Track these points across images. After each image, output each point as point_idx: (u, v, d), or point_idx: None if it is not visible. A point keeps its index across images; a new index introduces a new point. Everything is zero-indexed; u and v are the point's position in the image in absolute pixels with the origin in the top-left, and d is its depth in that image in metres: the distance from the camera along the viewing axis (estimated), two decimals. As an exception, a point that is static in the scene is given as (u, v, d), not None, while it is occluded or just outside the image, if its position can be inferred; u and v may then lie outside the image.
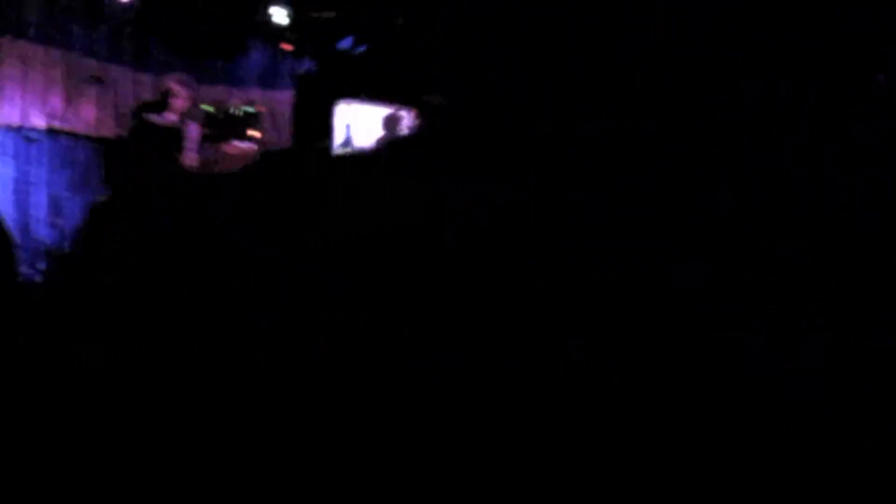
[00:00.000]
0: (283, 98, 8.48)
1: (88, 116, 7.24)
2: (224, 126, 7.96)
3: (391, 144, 5.90)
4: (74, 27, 7.35)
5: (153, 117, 5.77)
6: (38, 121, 6.43)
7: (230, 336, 1.59)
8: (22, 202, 6.76)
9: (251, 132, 7.82)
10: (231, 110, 7.94)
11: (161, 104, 5.76)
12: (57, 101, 6.99)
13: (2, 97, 6.95)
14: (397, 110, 6.98)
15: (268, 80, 8.44)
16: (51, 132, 6.87)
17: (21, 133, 6.54)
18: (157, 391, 2.05)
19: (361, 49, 8.04)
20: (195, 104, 6.03)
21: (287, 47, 8.17)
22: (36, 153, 7.10)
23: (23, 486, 1.66)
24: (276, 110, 8.45)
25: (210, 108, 8.05)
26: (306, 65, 8.48)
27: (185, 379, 2.01)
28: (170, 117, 5.75)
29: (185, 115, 5.97)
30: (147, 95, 8.32)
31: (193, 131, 6.03)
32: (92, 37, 7.46)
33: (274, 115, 8.33)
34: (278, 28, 8.02)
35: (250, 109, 7.92)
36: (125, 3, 7.05)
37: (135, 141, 5.74)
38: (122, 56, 7.77)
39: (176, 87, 5.91)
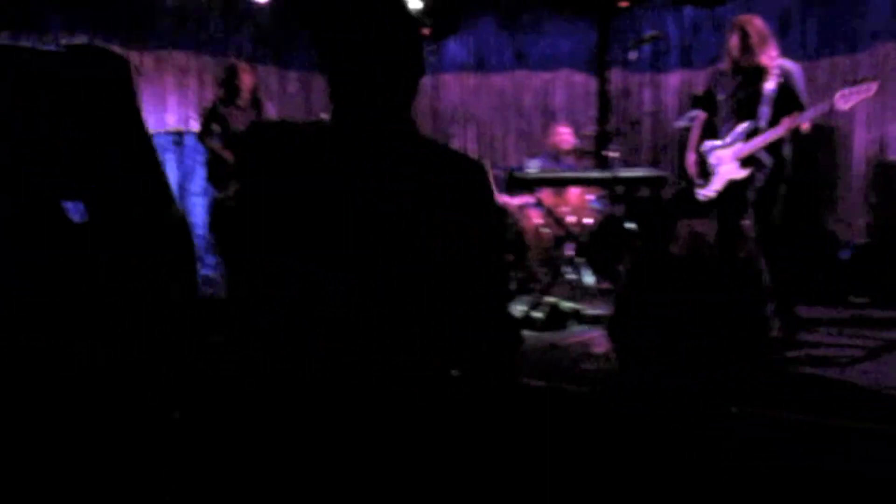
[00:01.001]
0: (425, 82, 8.53)
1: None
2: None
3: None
4: (221, 33, 7.79)
5: (224, 106, 5.87)
6: (195, 124, 6.86)
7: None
8: (181, 203, 7.28)
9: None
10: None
11: (230, 89, 5.85)
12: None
13: (161, 105, 7.51)
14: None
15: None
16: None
17: (179, 137, 7.01)
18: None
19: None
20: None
21: (425, 32, 8.20)
22: (192, 154, 7.61)
23: (23, 486, 1.73)
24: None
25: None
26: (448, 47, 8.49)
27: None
28: (243, 99, 5.84)
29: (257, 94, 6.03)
30: (293, 91, 8.71)
31: (270, 110, 6.12)
32: (238, 39, 7.88)
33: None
34: (417, 13, 8.05)
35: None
36: (264, 3, 7.35)
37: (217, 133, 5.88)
38: (267, 55, 8.16)
39: (241, 66, 6.00)
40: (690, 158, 4.69)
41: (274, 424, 1.44)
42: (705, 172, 4.61)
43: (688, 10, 7.40)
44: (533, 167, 5.86)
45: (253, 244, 1.47)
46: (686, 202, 5.03)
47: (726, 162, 4.45)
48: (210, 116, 5.94)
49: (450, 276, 1.48)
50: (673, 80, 7.58)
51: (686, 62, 7.40)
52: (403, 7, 1.57)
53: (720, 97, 4.55)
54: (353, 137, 1.50)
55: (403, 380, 1.46)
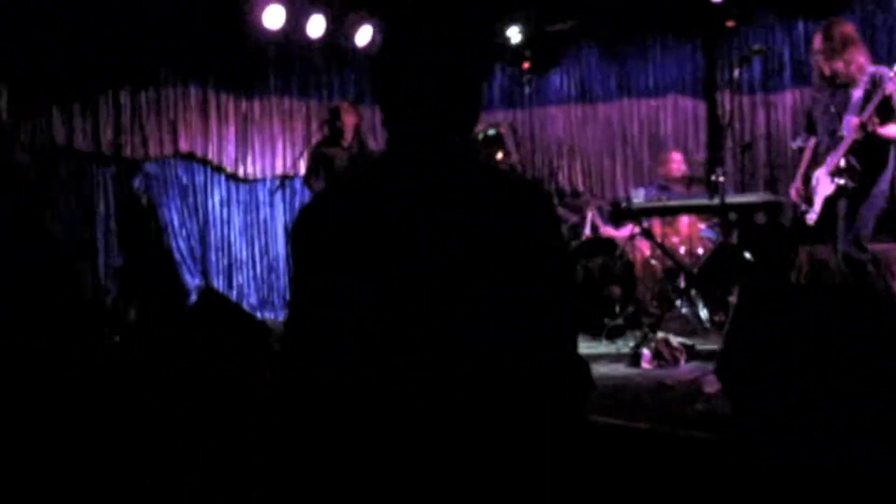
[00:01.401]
0: (537, 115, 8.46)
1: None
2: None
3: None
4: (325, 77, 7.95)
5: (328, 147, 5.91)
6: (302, 167, 6.99)
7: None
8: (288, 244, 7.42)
9: (497, 154, 7.88)
10: (477, 135, 8.07)
11: (334, 129, 5.88)
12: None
13: (270, 150, 7.71)
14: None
15: (510, 99, 8.46)
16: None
17: (286, 181, 7.15)
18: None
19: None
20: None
21: (526, 65, 8.14)
22: (299, 198, 7.76)
23: (23, 486, 1.73)
24: (521, 129, 8.43)
25: (455, 136, 8.25)
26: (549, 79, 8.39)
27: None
28: (346, 138, 5.87)
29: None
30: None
31: (374, 147, 6.12)
32: (342, 82, 8.01)
33: (516, 134, 8.31)
34: (516, 47, 8.01)
35: (492, 132, 7.98)
36: (364, 47, 7.45)
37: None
38: (371, 96, 8.26)
39: (344, 106, 6.04)
40: (795, 185, 4.48)
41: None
42: (809, 197, 4.37)
43: (799, 24, 7.04)
44: (639, 197, 5.64)
45: (315, 270, 1.42)
46: (807, 228, 4.74)
47: (821, 180, 4.22)
48: (315, 158, 6.02)
49: (514, 312, 1.37)
50: (787, 98, 7.21)
51: (800, 79, 7.02)
52: (465, 27, 1.48)
53: (815, 115, 4.34)
54: (408, 165, 1.43)
55: (469, 422, 1.36)
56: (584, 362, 1.45)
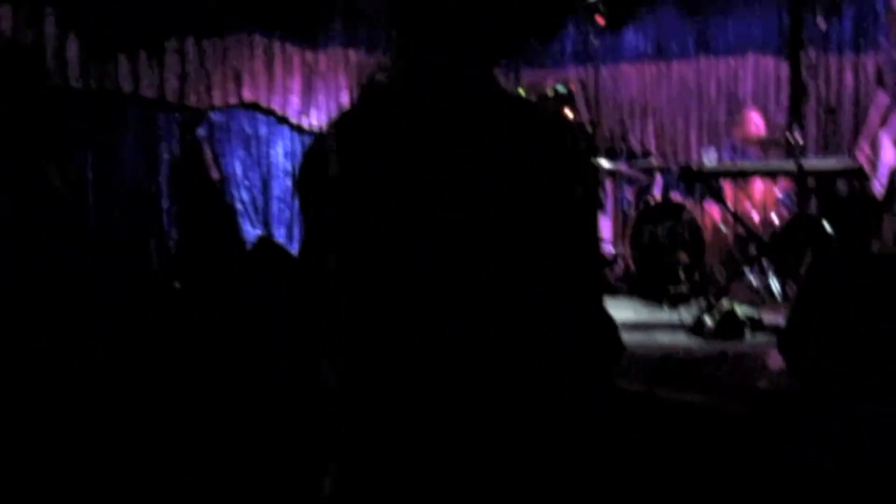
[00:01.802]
0: (602, 73, 8.15)
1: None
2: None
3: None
4: (368, 29, 7.76)
5: None
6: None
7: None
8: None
9: (566, 111, 7.63)
10: (547, 91, 7.83)
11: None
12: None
13: (335, 103, 7.61)
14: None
15: (583, 56, 8.16)
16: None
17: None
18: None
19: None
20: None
21: (600, 21, 7.81)
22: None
23: (23, 486, 1.69)
24: (592, 87, 8.14)
25: (523, 91, 8.02)
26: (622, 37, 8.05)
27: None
28: None
29: None
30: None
31: None
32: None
33: (587, 92, 8.03)
34: (590, 2, 7.69)
35: (562, 89, 7.72)
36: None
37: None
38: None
39: None
40: (862, 148, 4.11)
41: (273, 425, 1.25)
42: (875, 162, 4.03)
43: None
44: (710, 157, 5.36)
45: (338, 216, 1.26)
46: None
47: (884, 145, 3.87)
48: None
49: (530, 265, 1.21)
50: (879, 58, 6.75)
51: (896, 38, 6.55)
52: None
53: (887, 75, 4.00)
54: (431, 98, 1.26)
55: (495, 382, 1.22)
56: (612, 321, 1.28)
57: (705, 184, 5.16)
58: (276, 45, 7.26)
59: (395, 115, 1.25)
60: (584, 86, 8.00)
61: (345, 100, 7.56)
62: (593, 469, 1.26)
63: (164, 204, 6.80)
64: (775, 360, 3.31)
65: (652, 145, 7.86)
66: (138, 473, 1.76)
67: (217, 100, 7.03)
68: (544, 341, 1.22)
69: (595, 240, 1.35)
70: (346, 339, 1.27)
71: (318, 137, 1.37)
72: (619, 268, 6.34)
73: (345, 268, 1.26)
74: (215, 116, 7.13)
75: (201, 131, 7.17)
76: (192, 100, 6.89)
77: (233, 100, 7.12)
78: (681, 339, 4.15)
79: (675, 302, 5.08)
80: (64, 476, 1.73)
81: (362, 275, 1.25)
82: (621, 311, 5.06)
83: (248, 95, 7.17)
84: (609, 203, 7.31)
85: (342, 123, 1.31)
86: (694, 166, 4.94)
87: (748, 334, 4.16)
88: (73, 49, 6.19)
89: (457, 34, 1.26)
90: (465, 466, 1.20)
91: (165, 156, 6.85)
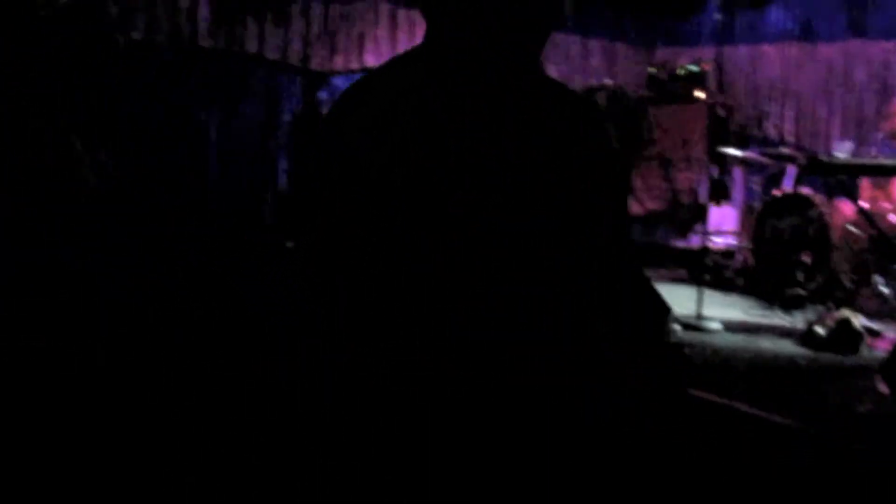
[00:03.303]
0: (741, 53, 7.66)
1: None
2: (663, 86, 7.49)
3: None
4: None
5: None
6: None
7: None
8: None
9: (696, 92, 7.22)
10: (678, 71, 7.43)
11: None
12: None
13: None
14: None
15: (721, 35, 7.67)
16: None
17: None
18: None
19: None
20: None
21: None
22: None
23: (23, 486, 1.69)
24: (728, 67, 7.65)
25: (653, 70, 7.64)
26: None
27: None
28: None
29: None
30: (595, 63, 8.24)
31: (552, 74, 5.67)
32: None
33: (722, 73, 7.56)
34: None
35: (694, 68, 7.30)
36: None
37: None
38: (569, 21, 7.78)
39: None
40: None
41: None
42: None
43: None
44: (844, 151, 4.90)
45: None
46: None
47: None
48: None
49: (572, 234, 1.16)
50: None
51: None
52: None
53: None
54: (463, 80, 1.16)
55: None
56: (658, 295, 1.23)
57: (835, 178, 4.72)
58: (402, 13, 7.20)
59: (415, 96, 1.15)
60: (719, 66, 7.55)
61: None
62: (592, 470, 1.19)
63: (282, 164, 6.92)
64: (882, 385, 2.98)
65: (789, 133, 7.33)
66: (138, 473, 1.73)
67: (339, 65, 7.05)
68: (547, 341, 1.15)
69: (622, 235, 1.26)
70: (346, 335, 1.17)
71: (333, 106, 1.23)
72: (738, 262, 5.96)
73: (345, 257, 1.15)
74: (337, 81, 7.16)
75: (323, 95, 7.22)
76: (314, 63, 6.94)
77: (355, 65, 7.13)
78: (786, 348, 3.83)
79: (789, 305, 4.70)
80: (63, 476, 1.72)
81: (363, 265, 1.14)
82: (728, 309, 4.74)
83: (370, 61, 7.16)
84: (738, 193, 6.88)
85: (357, 95, 1.19)
86: (824, 158, 4.52)
87: (864, 349, 3.78)
88: (204, 10, 6.33)
89: (490, 15, 1.14)
90: (465, 466, 1.14)
91: (286, 117, 6.95)
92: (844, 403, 2.93)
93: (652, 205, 7.48)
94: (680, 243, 7.13)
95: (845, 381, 3.24)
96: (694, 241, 6.72)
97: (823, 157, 4.52)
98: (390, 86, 1.18)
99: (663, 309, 1.29)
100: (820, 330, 3.84)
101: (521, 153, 1.13)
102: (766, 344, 3.88)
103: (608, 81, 5.87)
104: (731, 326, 4.20)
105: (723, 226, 6.81)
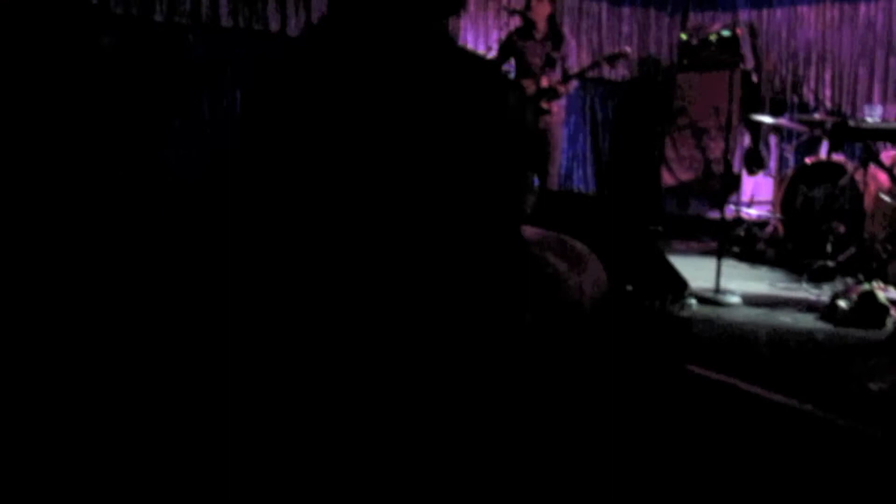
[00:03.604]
0: (777, 16, 7.36)
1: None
2: (695, 53, 7.24)
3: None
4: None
5: (521, 39, 5.42)
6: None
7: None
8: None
9: (725, 58, 6.96)
10: (710, 36, 7.17)
11: (526, 20, 5.38)
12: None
13: (461, 41, 7.33)
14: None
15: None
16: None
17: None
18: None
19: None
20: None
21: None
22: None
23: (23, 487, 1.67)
24: (764, 31, 7.37)
25: (685, 36, 7.39)
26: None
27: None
28: (539, 30, 5.34)
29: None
30: (627, 31, 8.01)
31: (571, 42, 5.54)
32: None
33: (756, 38, 7.28)
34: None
35: (727, 33, 7.04)
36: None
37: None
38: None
39: None
40: None
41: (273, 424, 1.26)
42: None
43: None
44: (874, 115, 4.67)
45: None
46: None
47: None
48: (505, 49, 5.58)
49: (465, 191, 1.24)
50: None
51: None
52: None
53: None
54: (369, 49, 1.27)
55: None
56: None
57: (863, 144, 4.50)
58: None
59: (336, 59, 1.27)
60: (752, 30, 7.27)
61: (468, 39, 7.25)
62: (501, 412, 1.26)
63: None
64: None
65: (827, 98, 7.04)
66: (138, 473, 1.70)
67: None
68: (457, 282, 1.23)
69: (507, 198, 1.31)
70: (264, 274, 1.27)
71: (267, 69, 1.38)
72: (767, 233, 5.75)
73: (271, 194, 1.27)
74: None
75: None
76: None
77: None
78: (806, 322, 3.66)
79: (817, 277, 4.51)
80: (64, 476, 1.69)
81: (285, 205, 1.25)
82: (752, 282, 4.57)
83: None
84: (773, 161, 6.65)
85: (288, 61, 1.32)
86: (851, 122, 4.31)
87: (890, 323, 3.60)
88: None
89: None
90: (381, 409, 1.20)
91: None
92: (859, 381, 2.78)
93: (685, 175, 7.27)
94: (714, 214, 6.92)
95: (863, 358, 3.09)
96: (729, 213, 6.51)
97: (851, 122, 4.30)
98: (305, 58, 1.31)
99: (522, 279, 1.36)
100: (843, 303, 3.67)
101: (410, 113, 1.22)
102: (786, 318, 3.72)
103: (627, 49, 5.65)
104: (751, 300, 4.04)
105: (758, 196, 6.60)
